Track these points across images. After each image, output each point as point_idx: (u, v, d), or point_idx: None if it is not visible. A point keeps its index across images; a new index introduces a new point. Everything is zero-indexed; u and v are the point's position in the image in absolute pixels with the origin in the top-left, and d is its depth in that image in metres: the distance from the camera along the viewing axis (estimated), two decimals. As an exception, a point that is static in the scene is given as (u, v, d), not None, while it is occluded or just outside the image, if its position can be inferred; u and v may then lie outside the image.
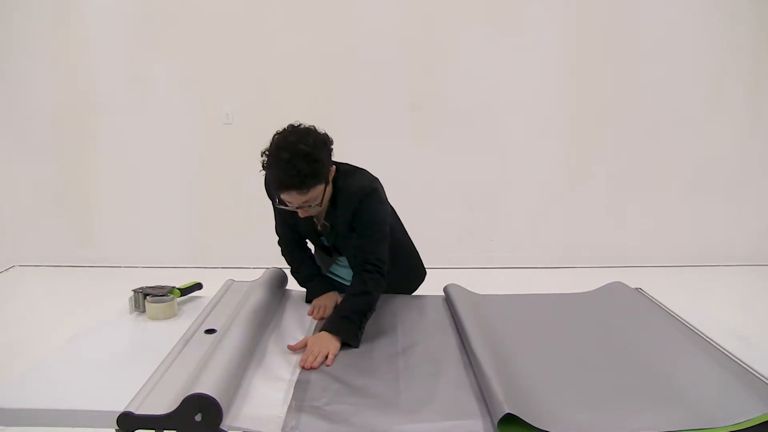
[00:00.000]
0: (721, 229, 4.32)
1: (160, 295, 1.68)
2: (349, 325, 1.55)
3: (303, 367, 1.40)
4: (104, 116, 4.07)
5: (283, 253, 1.93)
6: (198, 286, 1.87)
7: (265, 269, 1.92)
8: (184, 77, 4.01)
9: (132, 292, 1.70)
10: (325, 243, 1.84)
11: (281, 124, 1.73)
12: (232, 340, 1.37)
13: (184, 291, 1.80)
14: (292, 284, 1.97)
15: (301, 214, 1.61)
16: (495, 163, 4.17)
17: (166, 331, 1.55)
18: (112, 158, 4.14)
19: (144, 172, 4.15)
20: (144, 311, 1.68)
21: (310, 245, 1.95)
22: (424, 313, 1.77)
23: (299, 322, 1.71)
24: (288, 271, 1.97)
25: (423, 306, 1.83)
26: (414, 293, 2.02)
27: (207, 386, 1.14)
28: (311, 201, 1.57)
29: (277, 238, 1.93)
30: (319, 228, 1.79)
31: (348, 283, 1.86)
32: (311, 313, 1.76)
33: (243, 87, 3.99)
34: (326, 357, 1.44)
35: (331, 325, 1.55)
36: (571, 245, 4.30)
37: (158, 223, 4.22)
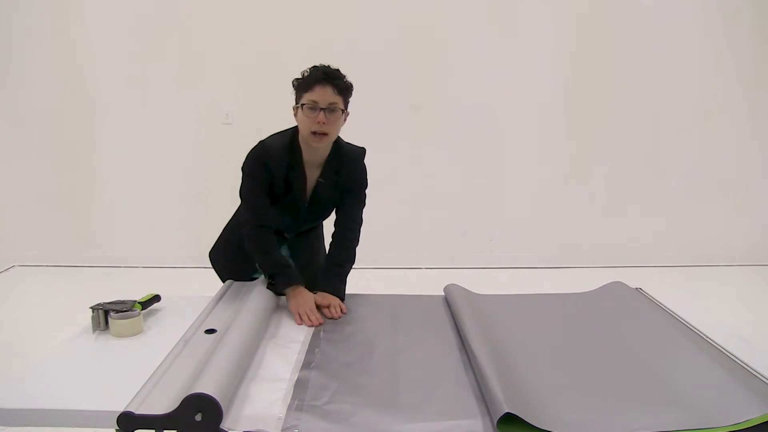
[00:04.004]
0: (721, 229, 4.33)
1: (124, 311, 1.53)
2: (344, 287, 1.85)
3: (336, 318, 1.70)
4: (104, 116, 4.07)
5: (251, 234, 1.80)
6: (156, 299, 1.72)
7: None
8: (184, 77, 4.01)
9: (91, 311, 1.54)
10: (301, 207, 1.86)
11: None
12: (232, 340, 1.37)
13: (145, 304, 1.65)
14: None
15: (319, 119, 1.68)
16: (495, 163, 4.17)
17: (165, 331, 1.54)
18: (112, 158, 4.14)
19: (144, 172, 4.15)
20: (106, 329, 1.54)
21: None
22: (424, 313, 1.77)
23: (299, 322, 1.71)
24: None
25: (423, 306, 1.83)
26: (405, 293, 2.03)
27: (207, 386, 1.14)
28: (335, 112, 1.69)
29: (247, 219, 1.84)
30: (312, 186, 1.84)
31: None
32: (300, 323, 1.66)
33: (243, 87, 3.99)
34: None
35: (331, 287, 1.80)
36: (571, 245, 4.30)
37: (158, 223, 4.22)
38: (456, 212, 4.22)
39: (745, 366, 1.35)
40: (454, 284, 1.91)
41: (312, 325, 1.65)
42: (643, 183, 4.23)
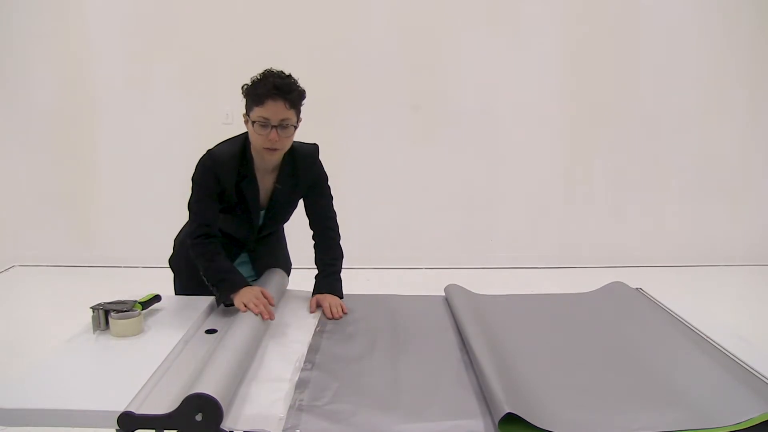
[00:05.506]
0: (721, 229, 4.33)
1: (124, 311, 1.53)
2: (340, 284, 1.84)
3: (337, 318, 1.70)
4: (104, 116, 4.07)
5: (196, 244, 1.69)
6: (156, 299, 1.70)
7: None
8: (184, 77, 4.01)
9: (91, 311, 1.54)
10: (259, 220, 1.81)
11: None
12: (233, 340, 1.37)
13: (145, 304, 1.63)
14: (293, 284, 1.97)
15: (271, 137, 1.59)
16: (495, 163, 4.17)
17: (166, 332, 1.54)
18: (112, 158, 4.14)
19: (144, 172, 4.15)
20: (106, 329, 1.53)
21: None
22: (424, 313, 1.78)
23: (300, 322, 1.71)
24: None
25: (423, 306, 1.83)
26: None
27: (208, 386, 1.14)
28: (287, 129, 1.61)
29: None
30: (269, 193, 1.79)
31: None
32: (246, 310, 1.56)
33: (243, 87, 3.98)
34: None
35: (331, 287, 1.81)
36: (571, 245, 4.30)
37: (158, 223, 4.20)
38: (456, 212, 4.22)
39: (745, 366, 1.35)
40: (454, 284, 1.91)
41: (257, 312, 1.54)
42: (643, 183, 4.23)
